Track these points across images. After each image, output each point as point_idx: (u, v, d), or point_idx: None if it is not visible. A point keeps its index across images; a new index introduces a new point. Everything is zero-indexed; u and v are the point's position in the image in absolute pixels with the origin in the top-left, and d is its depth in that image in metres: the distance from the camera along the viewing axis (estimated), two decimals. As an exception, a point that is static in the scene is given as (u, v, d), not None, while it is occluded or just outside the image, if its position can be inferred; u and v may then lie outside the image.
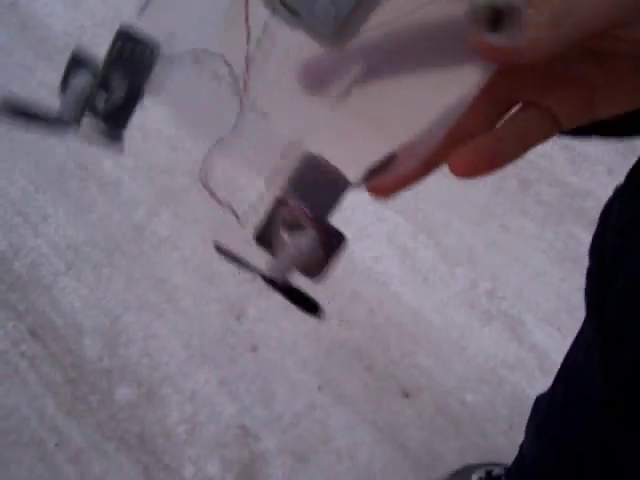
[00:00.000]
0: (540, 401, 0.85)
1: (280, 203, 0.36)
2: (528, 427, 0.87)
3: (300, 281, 0.35)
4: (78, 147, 1.58)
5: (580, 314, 0.71)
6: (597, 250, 0.60)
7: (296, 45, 0.33)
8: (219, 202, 0.38)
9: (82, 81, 0.36)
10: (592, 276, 0.62)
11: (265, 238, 0.37)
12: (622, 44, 0.31)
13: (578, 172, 1.51)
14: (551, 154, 1.54)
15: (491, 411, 1.19)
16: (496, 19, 0.27)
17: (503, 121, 0.34)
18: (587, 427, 0.68)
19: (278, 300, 1.25)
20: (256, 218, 0.37)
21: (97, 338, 1.28)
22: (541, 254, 1.39)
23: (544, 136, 0.33)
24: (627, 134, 0.39)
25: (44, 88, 1.68)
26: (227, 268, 1.35)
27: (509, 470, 1.01)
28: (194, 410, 1.19)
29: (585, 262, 0.61)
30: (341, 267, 1.39)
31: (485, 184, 1.49)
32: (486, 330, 1.29)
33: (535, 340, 1.27)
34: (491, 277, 1.36)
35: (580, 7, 0.28)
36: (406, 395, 1.20)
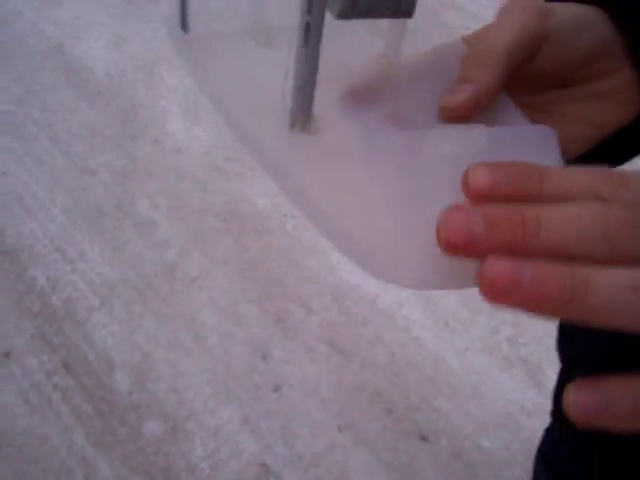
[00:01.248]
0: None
1: None
2: (535, 458, 0.90)
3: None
4: (115, 187, 1.65)
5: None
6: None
7: None
8: None
9: None
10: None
11: None
12: (545, 65, 0.38)
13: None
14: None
15: (508, 457, 1.21)
16: None
17: None
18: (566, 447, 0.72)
19: (302, 342, 1.28)
20: None
21: (127, 373, 1.32)
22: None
23: None
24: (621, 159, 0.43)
25: (85, 129, 1.76)
26: (254, 310, 1.40)
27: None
28: (217, 446, 1.23)
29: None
30: (365, 311, 1.42)
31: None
32: (506, 376, 1.31)
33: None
34: (512, 324, 1.38)
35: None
36: (424, 439, 1.23)
